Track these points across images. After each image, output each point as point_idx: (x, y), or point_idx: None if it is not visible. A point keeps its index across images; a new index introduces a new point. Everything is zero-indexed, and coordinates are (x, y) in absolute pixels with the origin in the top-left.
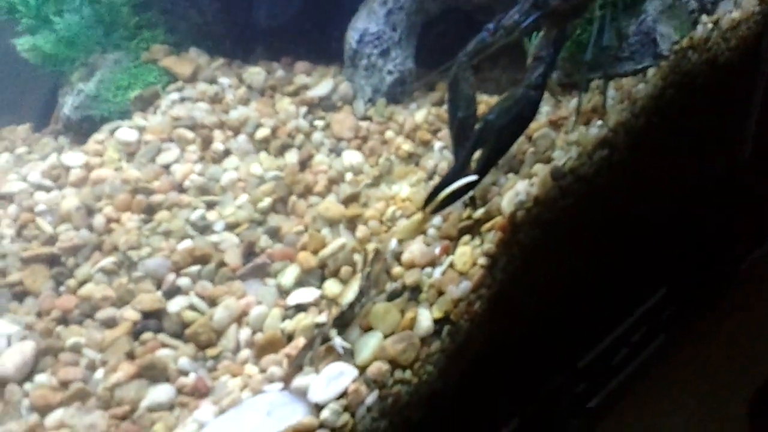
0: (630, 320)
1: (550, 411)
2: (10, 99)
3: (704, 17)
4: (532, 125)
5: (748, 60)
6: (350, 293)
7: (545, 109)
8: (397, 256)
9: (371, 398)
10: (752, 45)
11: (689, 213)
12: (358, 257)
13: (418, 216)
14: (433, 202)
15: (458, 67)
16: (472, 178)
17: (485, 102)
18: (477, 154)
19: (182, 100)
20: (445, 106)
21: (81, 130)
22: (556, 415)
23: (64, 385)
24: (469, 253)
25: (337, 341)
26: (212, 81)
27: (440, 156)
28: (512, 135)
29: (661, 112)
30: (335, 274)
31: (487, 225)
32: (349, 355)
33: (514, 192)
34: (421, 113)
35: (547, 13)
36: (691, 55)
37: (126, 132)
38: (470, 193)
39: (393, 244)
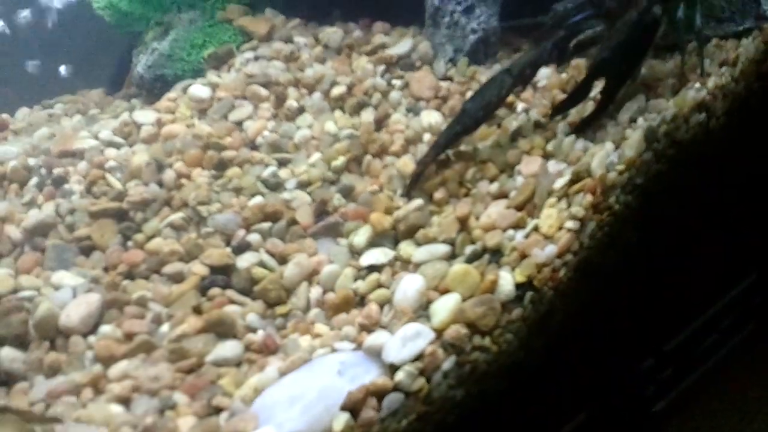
0: (719, 305)
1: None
2: (84, 62)
3: None
4: None
5: None
6: None
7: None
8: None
9: (448, 363)
10: None
11: None
12: (435, 219)
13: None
14: None
15: (505, 72)
16: None
17: None
18: None
19: (257, 58)
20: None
21: (153, 89)
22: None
23: (129, 337)
24: (555, 216)
25: None
26: (288, 40)
27: (525, 117)
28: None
29: (763, 78)
30: (409, 235)
31: (576, 187)
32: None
33: (605, 153)
34: None
35: (601, 14)
36: None
37: (199, 89)
38: None
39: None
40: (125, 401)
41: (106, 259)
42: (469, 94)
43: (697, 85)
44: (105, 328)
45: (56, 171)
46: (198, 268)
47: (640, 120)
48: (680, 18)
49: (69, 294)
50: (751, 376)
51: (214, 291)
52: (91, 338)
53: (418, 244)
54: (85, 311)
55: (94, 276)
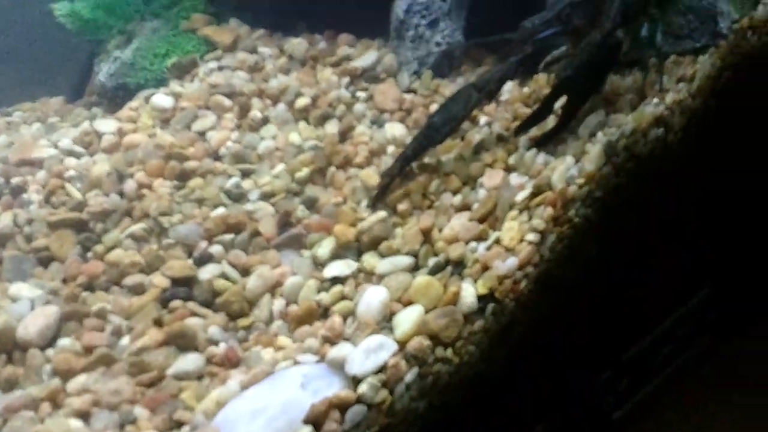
0: (674, 317)
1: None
2: (44, 70)
3: None
4: None
5: None
6: None
7: None
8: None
9: (411, 375)
10: None
11: (740, 212)
12: (398, 231)
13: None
14: None
15: (472, 86)
16: None
17: None
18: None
19: (221, 68)
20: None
21: (115, 98)
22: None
23: (89, 350)
24: (516, 229)
25: None
26: (252, 50)
27: (487, 131)
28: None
29: (719, 94)
30: (373, 247)
31: (536, 200)
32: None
33: (566, 166)
34: None
35: (568, 31)
36: (750, 37)
37: (161, 98)
38: None
39: None
40: (84, 416)
41: (64, 270)
42: (433, 107)
43: (656, 100)
44: (63, 341)
45: (14, 180)
46: (159, 280)
47: (600, 134)
48: (644, 36)
49: (27, 306)
50: (707, 390)
51: (176, 303)
52: (50, 351)
53: (382, 255)
54: (43, 324)
55: (52, 288)
